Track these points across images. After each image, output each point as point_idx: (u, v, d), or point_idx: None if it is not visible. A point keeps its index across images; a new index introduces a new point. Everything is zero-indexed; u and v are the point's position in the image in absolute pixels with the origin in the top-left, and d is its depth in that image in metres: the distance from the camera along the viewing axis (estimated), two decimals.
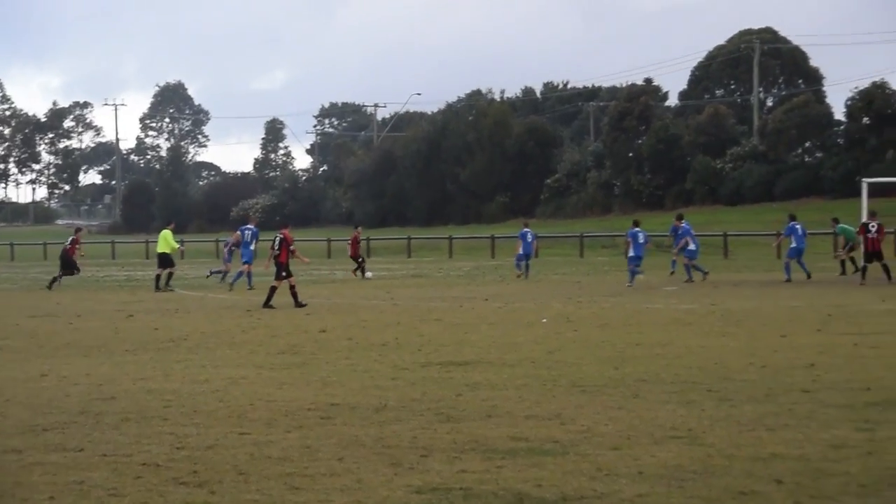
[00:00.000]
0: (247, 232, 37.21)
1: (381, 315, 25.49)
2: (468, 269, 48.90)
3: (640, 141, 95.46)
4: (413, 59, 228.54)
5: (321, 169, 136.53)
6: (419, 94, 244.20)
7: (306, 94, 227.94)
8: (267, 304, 27.61)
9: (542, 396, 13.11)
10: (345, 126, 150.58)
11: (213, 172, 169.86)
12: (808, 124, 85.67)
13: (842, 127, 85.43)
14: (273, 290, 28.05)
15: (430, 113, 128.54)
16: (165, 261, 37.19)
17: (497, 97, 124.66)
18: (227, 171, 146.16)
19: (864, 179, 43.87)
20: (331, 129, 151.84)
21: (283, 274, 28.21)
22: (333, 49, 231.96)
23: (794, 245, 36.32)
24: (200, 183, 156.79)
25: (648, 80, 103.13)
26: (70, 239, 40.99)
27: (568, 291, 32.75)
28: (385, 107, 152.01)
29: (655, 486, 8.75)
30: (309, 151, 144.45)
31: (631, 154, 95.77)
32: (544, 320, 23.06)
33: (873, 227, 33.87)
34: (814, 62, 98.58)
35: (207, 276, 42.50)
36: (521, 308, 26.72)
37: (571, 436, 10.71)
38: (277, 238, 28.60)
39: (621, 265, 51.98)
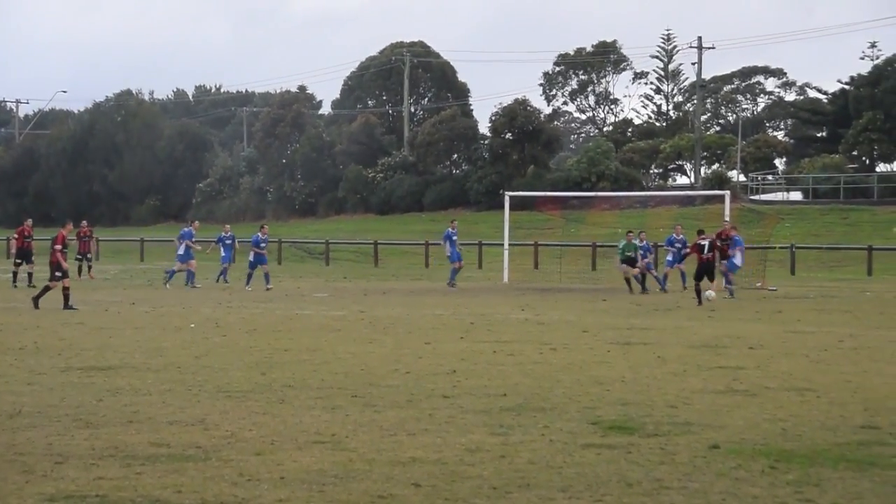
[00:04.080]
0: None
1: (19, 318, 24.46)
2: (115, 273, 47.63)
3: (292, 148, 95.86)
4: (58, 55, 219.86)
5: None
6: (65, 91, 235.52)
7: None
8: (36, 299, 27.34)
9: (186, 402, 12.92)
10: None
11: None
12: (455, 137, 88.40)
13: (486, 141, 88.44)
14: (46, 289, 27.72)
15: (76, 112, 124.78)
16: None
17: (147, 98, 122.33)
18: None
19: (506, 193, 45.57)
20: None
21: (58, 274, 27.55)
22: None
23: None
24: None
25: (302, 88, 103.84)
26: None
27: (218, 296, 32.43)
28: (28, 103, 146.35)
29: (296, 490, 8.79)
30: None
31: (284, 161, 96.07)
32: (192, 325, 22.75)
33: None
34: (461, 77, 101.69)
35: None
36: (169, 312, 26.25)
37: (215, 441, 10.61)
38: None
39: (273, 270, 51.86)
